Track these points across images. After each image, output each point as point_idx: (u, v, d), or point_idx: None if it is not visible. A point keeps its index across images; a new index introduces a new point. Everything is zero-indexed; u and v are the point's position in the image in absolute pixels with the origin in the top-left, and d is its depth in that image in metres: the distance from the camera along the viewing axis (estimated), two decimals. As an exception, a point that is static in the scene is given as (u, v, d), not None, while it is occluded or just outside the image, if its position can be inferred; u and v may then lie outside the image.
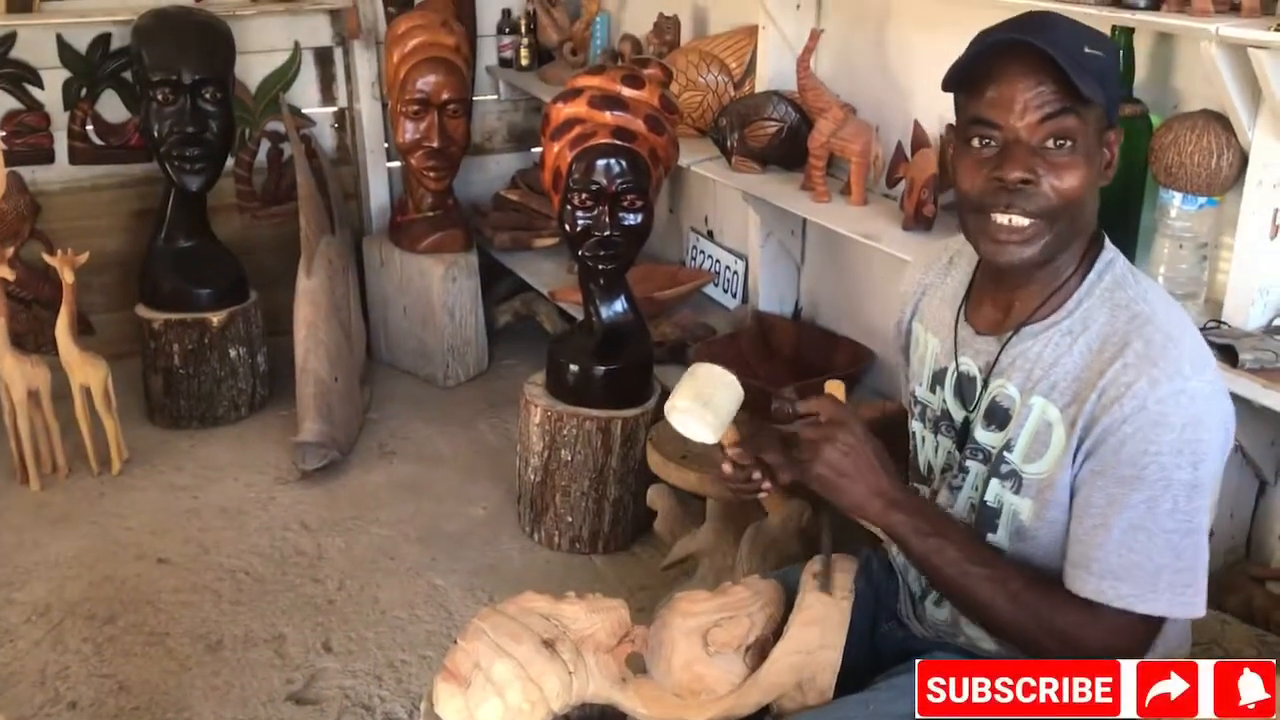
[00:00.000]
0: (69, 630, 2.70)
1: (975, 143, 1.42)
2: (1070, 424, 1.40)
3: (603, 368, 2.94)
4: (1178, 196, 2.01)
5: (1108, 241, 1.48)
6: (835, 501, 1.48)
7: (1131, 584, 1.36)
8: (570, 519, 2.99)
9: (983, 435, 1.51)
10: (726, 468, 1.65)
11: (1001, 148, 1.39)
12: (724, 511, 2.64)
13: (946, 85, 1.44)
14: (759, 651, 1.54)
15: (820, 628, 1.50)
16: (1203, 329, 1.95)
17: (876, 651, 1.64)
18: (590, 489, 2.96)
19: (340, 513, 3.20)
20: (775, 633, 1.54)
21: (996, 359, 1.50)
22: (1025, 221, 1.39)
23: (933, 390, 1.61)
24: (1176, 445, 1.33)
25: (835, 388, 1.55)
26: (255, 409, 3.75)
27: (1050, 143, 1.37)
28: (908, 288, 1.73)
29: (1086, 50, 1.36)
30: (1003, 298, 1.51)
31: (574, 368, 2.96)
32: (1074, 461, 1.40)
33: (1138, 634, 1.40)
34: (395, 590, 2.87)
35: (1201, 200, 1.99)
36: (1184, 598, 1.37)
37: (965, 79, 1.41)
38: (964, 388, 1.55)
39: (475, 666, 1.47)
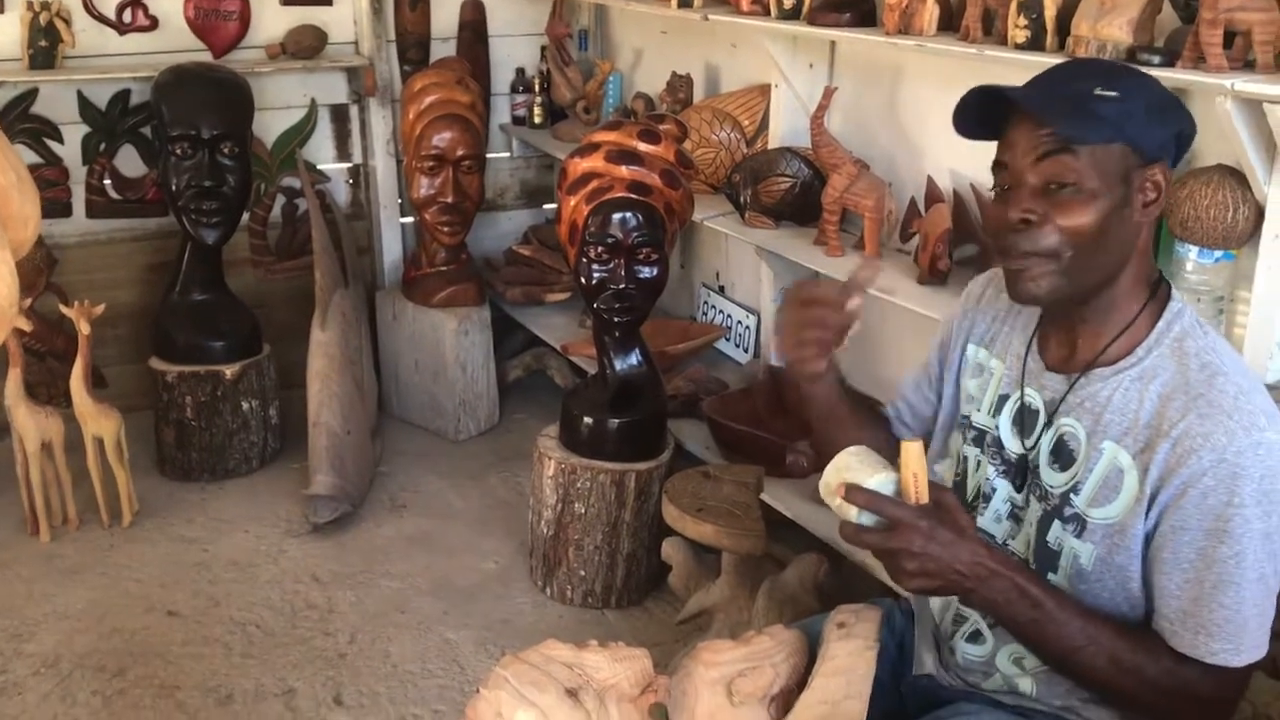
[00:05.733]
0: (78, 683, 2.68)
1: (997, 185, 1.47)
2: (1143, 470, 1.39)
3: (617, 420, 2.94)
4: (1194, 250, 2.02)
5: (1176, 292, 1.49)
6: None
7: (1223, 639, 1.36)
8: (583, 573, 2.98)
9: (1048, 475, 1.50)
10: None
11: (1009, 188, 1.44)
12: (740, 565, 2.63)
13: (960, 131, 1.49)
14: (783, 702, 1.52)
15: (845, 678, 1.49)
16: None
17: (902, 702, 1.62)
18: (604, 542, 2.94)
19: (351, 566, 3.19)
20: (799, 683, 1.53)
21: (1064, 398, 1.49)
22: (1028, 261, 1.42)
23: (992, 416, 1.60)
24: (1257, 496, 1.34)
25: (913, 449, 1.37)
26: (266, 462, 3.74)
27: (1051, 184, 1.40)
28: (964, 302, 1.72)
29: (1097, 92, 1.38)
30: (1065, 335, 1.52)
31: (588, 420, 2.96)
32: (1148, 512, 1.40)
33: (1237, 684, 1.41)
34: (407, 644, 2.84)
35: (1218, 254, 2.00)
36: (1259, 642, 1.39)
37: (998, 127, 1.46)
38: (1025, 419, 1.55)
39: (498, 715, 1.45)
